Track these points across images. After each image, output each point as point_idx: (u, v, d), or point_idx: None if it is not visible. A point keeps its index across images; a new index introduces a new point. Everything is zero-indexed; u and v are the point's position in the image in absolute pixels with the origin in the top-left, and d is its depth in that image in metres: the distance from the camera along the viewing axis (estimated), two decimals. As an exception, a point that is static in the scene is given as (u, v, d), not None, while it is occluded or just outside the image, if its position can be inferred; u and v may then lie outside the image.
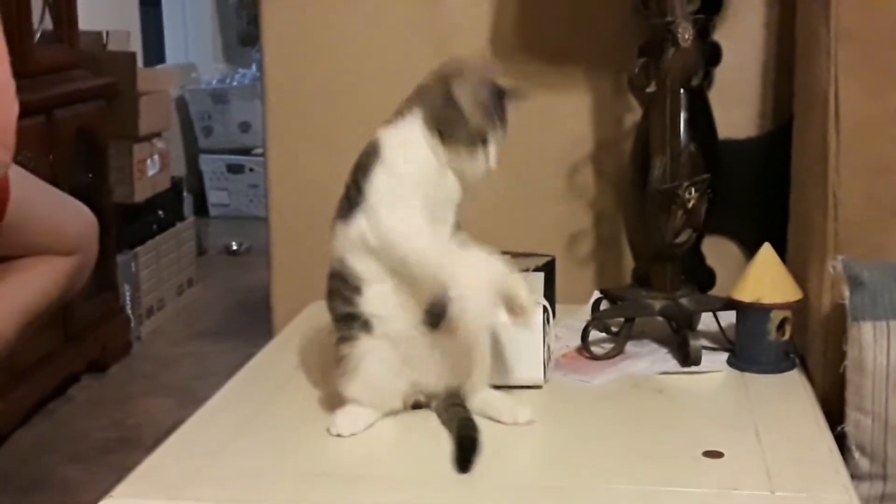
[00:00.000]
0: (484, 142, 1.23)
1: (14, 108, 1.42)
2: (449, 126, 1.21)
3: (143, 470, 1.20)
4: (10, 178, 1.52)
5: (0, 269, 1.55)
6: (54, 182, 2.96)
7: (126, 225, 3.64)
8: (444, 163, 1.23)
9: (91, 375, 3.27)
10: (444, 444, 1.24)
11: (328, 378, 1.34)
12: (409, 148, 1.23)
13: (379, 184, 1.22)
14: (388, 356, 1.26)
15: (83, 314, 3.19)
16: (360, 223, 1.23)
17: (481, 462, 1.19)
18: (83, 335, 3.19)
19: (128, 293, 3.61)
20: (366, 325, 1.25)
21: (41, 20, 3.19)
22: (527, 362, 1.38)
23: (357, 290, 1.25)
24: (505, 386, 1.34)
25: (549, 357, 1.44)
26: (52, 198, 1.64)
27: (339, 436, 1.25)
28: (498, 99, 1.24)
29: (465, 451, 1.18)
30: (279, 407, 1.38)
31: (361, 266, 1.24)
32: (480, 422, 1.25)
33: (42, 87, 2.98)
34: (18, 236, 1.53)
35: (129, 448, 2.73)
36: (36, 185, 1.62)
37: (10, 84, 1.43)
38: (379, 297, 1.24)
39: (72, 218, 1.64)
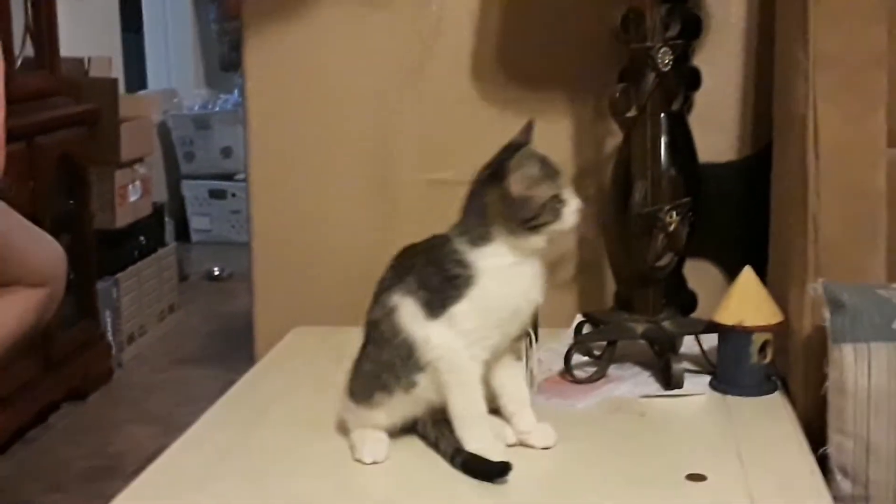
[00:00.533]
0: (560, 199, 1.24)
1: (2, 128, 1.42)
2: (531, 220, 1.23)
3: (125, 498, 1.19)
4: None
5: None
6: (35, 209, 2.97)
7: (107, 251, 3.63)
8: (542, 248, 1.26)
9: (71, 403, 3.25)
10: (429, 466, 1.24)
11: (321, 400, 1.33)
12: (503, 281, 1.25)
13: (468, 313, 1.24)
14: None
15: (63, 341, 3.17)
16: (439, 332, 1.25)
17: (466, 487, 1.19)
18: (63, 362, 3.17)
19: (109, 319, 3.59)
20: (407, 386, 1.26)
21: (22, 47, 3.18)
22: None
23: (418, 369, 1.26)
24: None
25: (533, 381, 1.44)
26: (23, 229, 1.63)
27: (374, 463, 1.26)
28: (544, 159, 1.26)
29: (485, 465, 1.21)
30: (261, 433, 1.37)
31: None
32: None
33: (23, 114, 2.98)
34: None
35: (110, 476, 2.71)
36: (9, 215, 1.61)
37: (1, 103, 1.43)
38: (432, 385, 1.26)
39: (42, 249, 1.63)
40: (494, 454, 1.22)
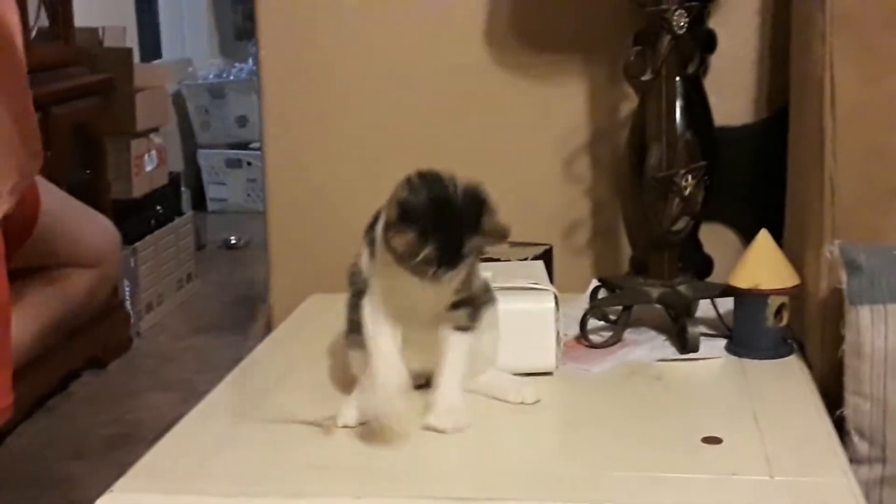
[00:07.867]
0: None
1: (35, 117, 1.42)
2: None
3: (144, 464, 1.20)
4: (39, 191, 1.51)
5: (21, 282, 1.54)
6: (52, 180, 2.98)
7: (124, 221, 3.64)
8: None
9: (91, 371, 3.28)
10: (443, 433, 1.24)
11: (337, 366, 1.34)
12: None
13: None
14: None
15: (83, 310, 3.19)
16: None
17: (480, 449, 1.20)
18: (83, 331, 3.19)
19: (127, 289, 3.62)
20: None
21: (37, 17, 3.19)
22: (540, 349, 1.38)
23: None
24: (517, 373, 1.34)
25: (560, 344, 1.44)
26: (74, 210, 1.63)
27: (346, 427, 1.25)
28: None
29: None
30: (279, 400, 1.38)
31: None
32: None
33: (38, 85, 2.96)
34: (42, 248, 1.53)
35: (130, 443, 2.74)
36: (59, 197, 1.61)
37: (30, 92, 1.44)
38: None
39: (94, 231, 1.63)
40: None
